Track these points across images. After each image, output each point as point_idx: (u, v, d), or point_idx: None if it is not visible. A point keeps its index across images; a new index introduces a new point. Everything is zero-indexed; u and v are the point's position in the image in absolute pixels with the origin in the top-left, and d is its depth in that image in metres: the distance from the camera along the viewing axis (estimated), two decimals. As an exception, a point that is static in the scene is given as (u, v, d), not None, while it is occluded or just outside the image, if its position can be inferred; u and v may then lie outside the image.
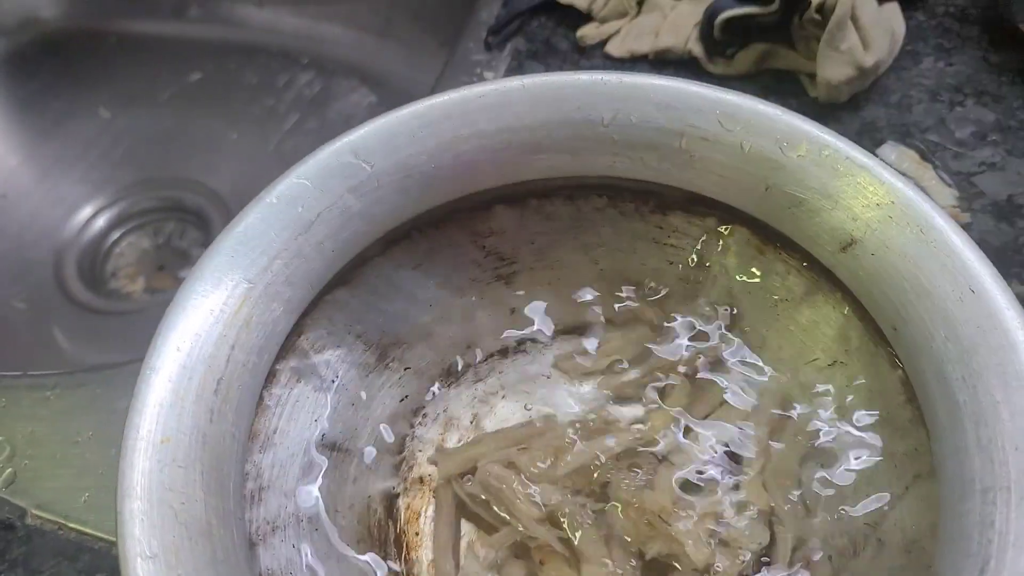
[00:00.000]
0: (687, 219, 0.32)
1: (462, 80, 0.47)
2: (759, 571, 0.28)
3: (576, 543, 0.29)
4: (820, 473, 0.29)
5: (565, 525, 0.29)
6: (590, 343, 0.34)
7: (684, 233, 0.32)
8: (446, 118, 0.29)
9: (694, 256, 0.32)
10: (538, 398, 0.33)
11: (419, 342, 0.33)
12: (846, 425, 0.29)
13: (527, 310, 0.34)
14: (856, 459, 0.29)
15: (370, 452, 0.31)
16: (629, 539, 0.29)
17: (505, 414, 0.33)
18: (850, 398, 0.29)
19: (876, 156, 0.27)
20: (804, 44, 0.41)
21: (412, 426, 0.33)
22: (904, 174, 0.27)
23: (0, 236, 0.72)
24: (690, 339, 0.33)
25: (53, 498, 0.34)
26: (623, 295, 0.34)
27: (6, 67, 0.78)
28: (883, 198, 0.26)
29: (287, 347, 0.29)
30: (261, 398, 0.28)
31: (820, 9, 0.39)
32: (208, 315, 0.26)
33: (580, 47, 0.46)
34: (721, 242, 0.32)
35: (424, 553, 0.31)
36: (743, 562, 0.28)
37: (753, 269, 0.31)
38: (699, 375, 0.32)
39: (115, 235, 0.74)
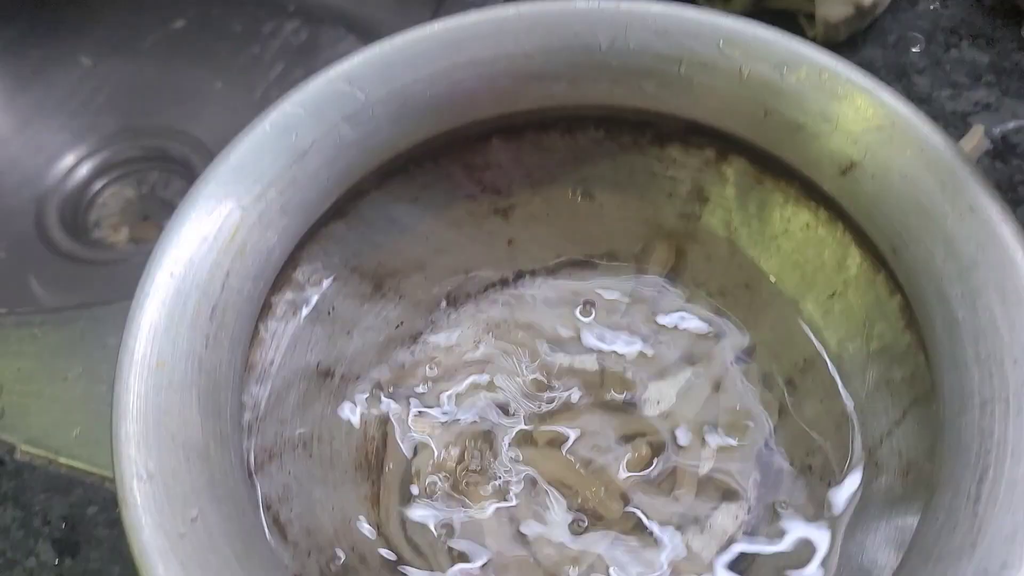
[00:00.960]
0: (685, 150, 0.32)
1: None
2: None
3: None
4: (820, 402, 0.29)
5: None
6: (588, 282, 0.34)
7: (682, 165, 0.32)
8: (442, 46, 0.29)
9: (693, 188, 0.32)
10: (531, 328, 0.33)
11: (415, 273, 0.33)
12: (845, 353, 0.29)
13: (524, 243, 0.34)
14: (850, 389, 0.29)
15: (366, 381, 0.31)
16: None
17: (497, 342, 0.33)
18: (847, 329, 0.29)
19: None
20: (802, -19, 0.41)
21: (412, 354, 0.33)
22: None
23: (-21, 185, 0.71)
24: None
25: (43, 433, 0.34)
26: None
27: (-16, 13, 0.76)
28: (883, 120, 0.26)
29: (283, 279, 0.29)
30: (257, 330, 0.28)
31: (819, -56, 0.39)
32: (202, 242, 0.25)
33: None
34: (720, 173, 0.31)
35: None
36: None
37: (752, 200, 0.31)
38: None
39: (98, 184, 0.72)
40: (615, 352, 0.32)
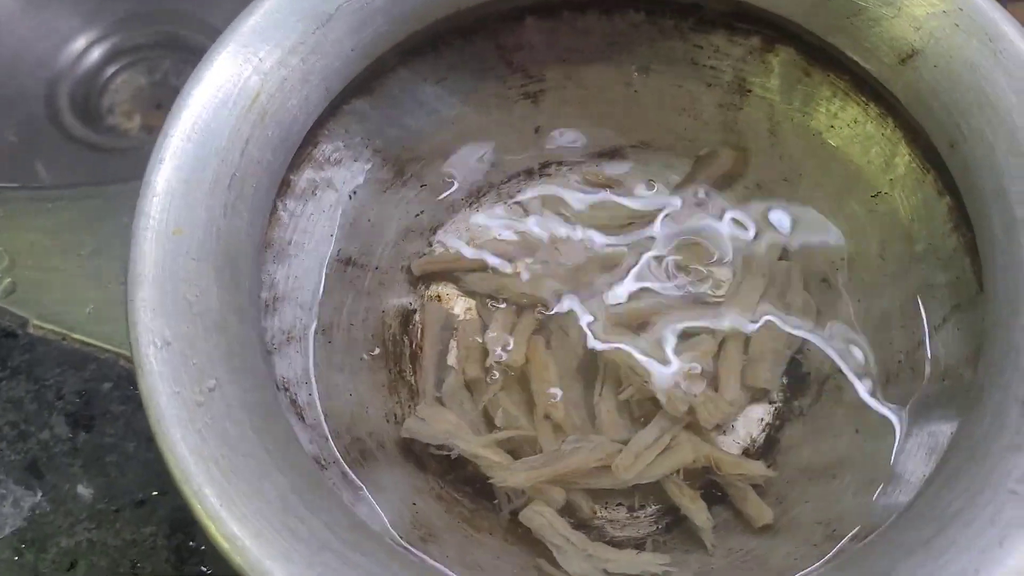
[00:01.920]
0: (729, 38, 0.30)
1: None
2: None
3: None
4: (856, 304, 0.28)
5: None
6: (621, 167, 0.32)
7: (726, 53, 0.30)
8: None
9: (735, 79, 0.30)
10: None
11: (439, 159, 0.32)
12: (887, 255, 0.28)
13: (554, 131, 0.32)
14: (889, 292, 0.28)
15: (385, 267, 0.30)
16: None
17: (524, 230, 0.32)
18: (891, 230, 0.28)
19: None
20: None
21: (430, 244, 0.32)
22: None
23: (-12, 66, 0.69)
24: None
25: (56, 309, 0.33)
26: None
27: None
28: (950, 5, 0.24)
29: (302, 156, 0.28)
30: (275, 207, 0.27)
31: None
32: (220, 106, 0.24)
33: None
34: (764, 63, 0.30)
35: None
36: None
37: (797, 92, 0.29)
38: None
39: (110, 70, 0.71)
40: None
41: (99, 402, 0.31)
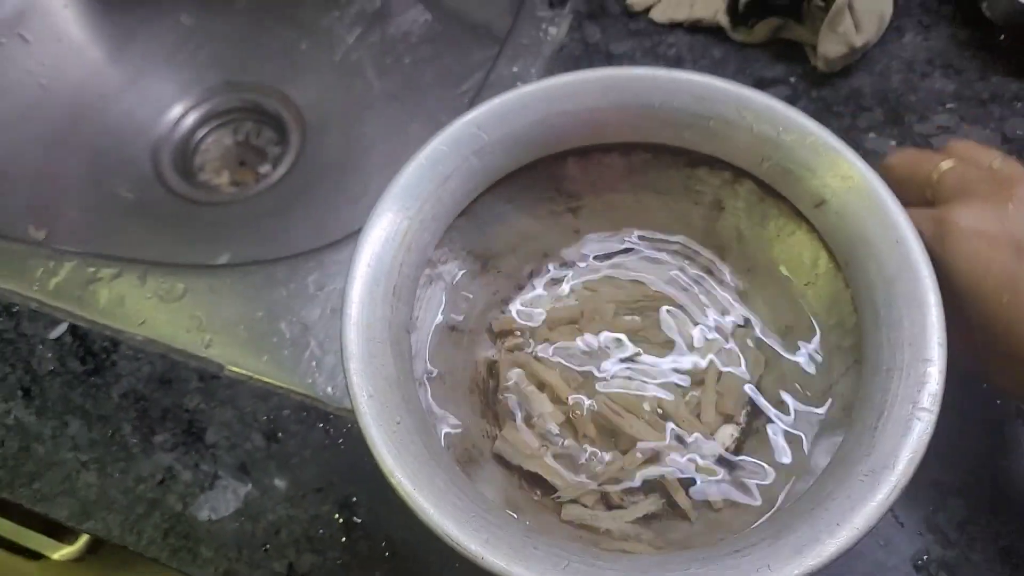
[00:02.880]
0: (710, 172, 0.44)
1: (530, 34, 0.58)
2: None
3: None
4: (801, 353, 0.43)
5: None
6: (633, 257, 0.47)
7: (707, 182, 0.45)
8: (542, 100, 0.41)
9: (714, 199, 0.45)
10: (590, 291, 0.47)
11: (509, 254, 0.46)
12: (817, 326, 0.42)
13: (588, 232, 0.47)
14: (815, 350, 0.42)
15: (476, 329, 0.45)
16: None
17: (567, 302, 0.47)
18: (817, 307, 0.42)
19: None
20: (811, 21, 0.53)
21: (503, 312, 0.46)
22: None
23: (103, 132, 0.83)
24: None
25: (241, 358, 0.48)
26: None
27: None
28: (847, 173, 0.39)
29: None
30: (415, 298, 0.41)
31: (824, -4, 0.50)
32: (385, 243, 0.38)
33: (629, 11, 0.57)
34: (734, 190, 0.44)
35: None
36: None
37: (756, 211, 0.44)
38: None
39: (201, 132, 0.85)
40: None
41: (281, 423, 0.46)
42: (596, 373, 0.45)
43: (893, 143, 0.51)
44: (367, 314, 0.37)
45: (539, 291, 0.47)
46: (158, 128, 0.84)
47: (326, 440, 0.45)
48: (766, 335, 0.44)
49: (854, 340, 0.40)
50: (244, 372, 0.47)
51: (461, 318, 0.45)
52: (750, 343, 0.44)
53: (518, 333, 0.46)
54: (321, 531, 0.43)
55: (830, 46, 0.51)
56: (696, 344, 0.45)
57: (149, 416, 0.46)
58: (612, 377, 0.44)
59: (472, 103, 0.47)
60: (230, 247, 0.70)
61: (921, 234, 0.36)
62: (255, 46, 0.87)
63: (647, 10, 0.57)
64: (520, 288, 0.47)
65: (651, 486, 0.42)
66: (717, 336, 0.45)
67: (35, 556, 0.69)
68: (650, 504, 0.40)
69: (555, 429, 0.43)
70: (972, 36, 0.54)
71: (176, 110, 0.85)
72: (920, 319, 0.35)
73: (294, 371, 0.47)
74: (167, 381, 0.47)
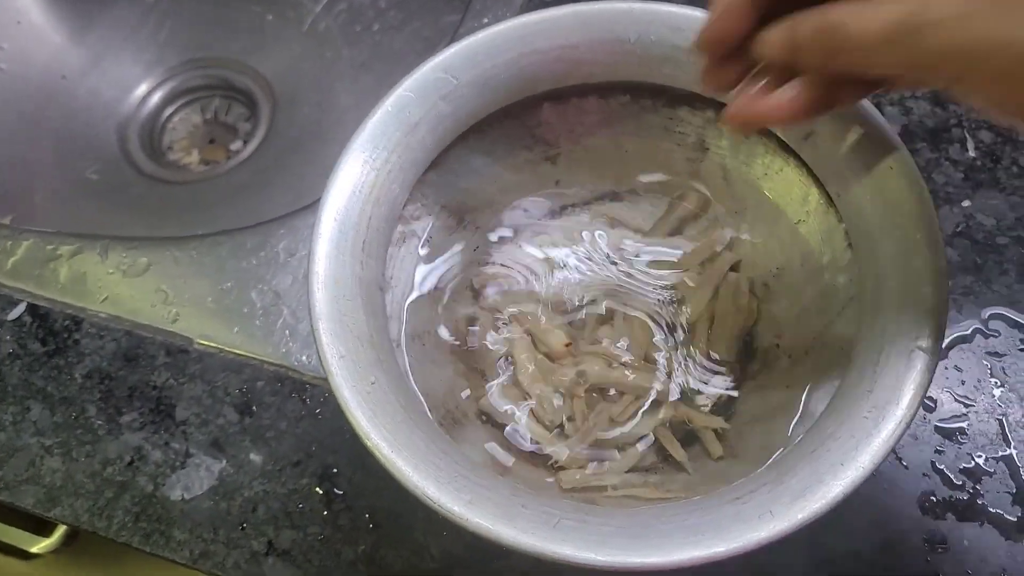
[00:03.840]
0: (691, 111, 0.42)
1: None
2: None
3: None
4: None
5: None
6: (617, 206, 0.45)
7: (688, 122, 0.42)
8: (513, 39, 0.39)
9: (697, 140, 0.42)
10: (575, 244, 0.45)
11: (486, 208, 0.44)
12: (806, 263, 0.40)
13: (567, 182, 0.45)
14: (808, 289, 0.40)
15: (455, 288, 0.42)
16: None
17: (554, 254, 0.44)
18: (809, 245, 0.40)
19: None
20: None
21: (482, 267, 0.44)
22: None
23: (67, 114, 0.79)
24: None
25: (211, 330, 0.46)
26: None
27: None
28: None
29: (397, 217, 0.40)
30: (387, 255, 0.39)
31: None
32: (352, 196, 0.36)
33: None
34: (717, 129, 0.42)
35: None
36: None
37: (741, 150, 0.41)
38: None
39: (168, 111, 0.82)
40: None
41: (255, 396, 0.43)
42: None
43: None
44: (335, 271, 0.34)
45: (519, 244, 0.45)
46: (124, 108, 0.81)
47: (302, 411, 0.43)
48: (758, 277, 0.42)
49: (849, 276, 0.37)
50: (214, 345, 0.45)
51: (439, 277, 0.42)
52: (743, 287, 0.42)
53: (499, 286, 0.44)
54: (301, 505, 0.40)
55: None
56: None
57: (115, 395, 0.44)
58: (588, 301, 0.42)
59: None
60: (202, 226, 0.68)
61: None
62: (220, 20, 0.84)
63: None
64: (500, 243, 0.45)
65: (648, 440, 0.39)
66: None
67: (24, 556, 0.66)
68: (644, 451, 0.38)
69: (543, 386, 0.41)
70: None
71: (141, 89, 0.82)
72: (918, 248, 0.33)
73: (267, 341, 0.44)
74: (133, 358, 0.45)
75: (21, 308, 0.47)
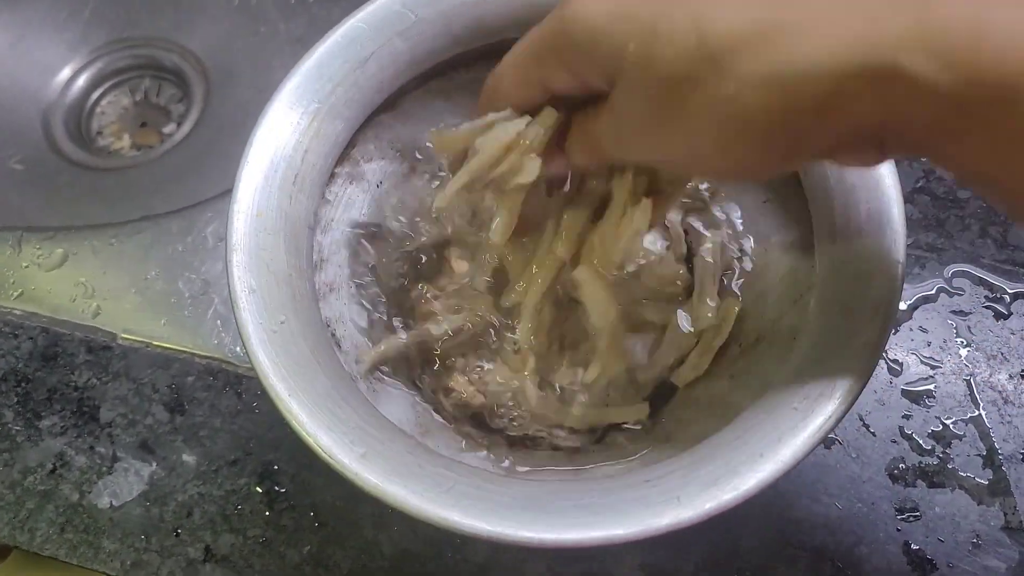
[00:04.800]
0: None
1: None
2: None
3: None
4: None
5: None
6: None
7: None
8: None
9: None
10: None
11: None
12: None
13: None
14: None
15: (400, 233, 0.39)
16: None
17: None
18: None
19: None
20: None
21: (434, 218, 0.40)
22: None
23: (-16, 101, 0.74)
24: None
25: (136, 324, 0.42)
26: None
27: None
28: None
29: (344, 157, 0.36)
30: (324, 193, 0.35)
31: None
32: (287, 127, 0.33)
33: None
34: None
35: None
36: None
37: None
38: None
39: (95, 95, 0.77)
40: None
41: (186, 392, 0.40)
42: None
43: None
44: (260, 202, 0.31)
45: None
46: (47, 93, 0.76)
47: (238, 405, 0.40)
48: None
49: (810, 264, 0.34)
50: (140, 339, 0.41)
51: (385, 220, 0.39)
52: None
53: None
54: (240, 507, 0.37)
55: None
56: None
57: (33, 398, 0.40)
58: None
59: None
60: (135, 213, 0.64)
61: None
62: (145, -3, 0.79)
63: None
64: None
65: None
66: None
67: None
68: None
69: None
70: None
71: (65, 73, 0.77)
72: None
73: (197, 332, 0.41)
74: (51, 357, 0.41)
75: (-75, 309, 0.43)
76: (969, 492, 0.37)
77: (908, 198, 0.43)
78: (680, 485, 0.26)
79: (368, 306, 0.37)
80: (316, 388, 0.28)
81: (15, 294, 0.43)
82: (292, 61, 0.78)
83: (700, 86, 0.20)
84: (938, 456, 0.38)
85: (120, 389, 0.40)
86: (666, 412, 0.36)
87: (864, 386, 0.27)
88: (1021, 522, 0.36)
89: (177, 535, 0.37)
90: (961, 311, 0.41)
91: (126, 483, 0.38)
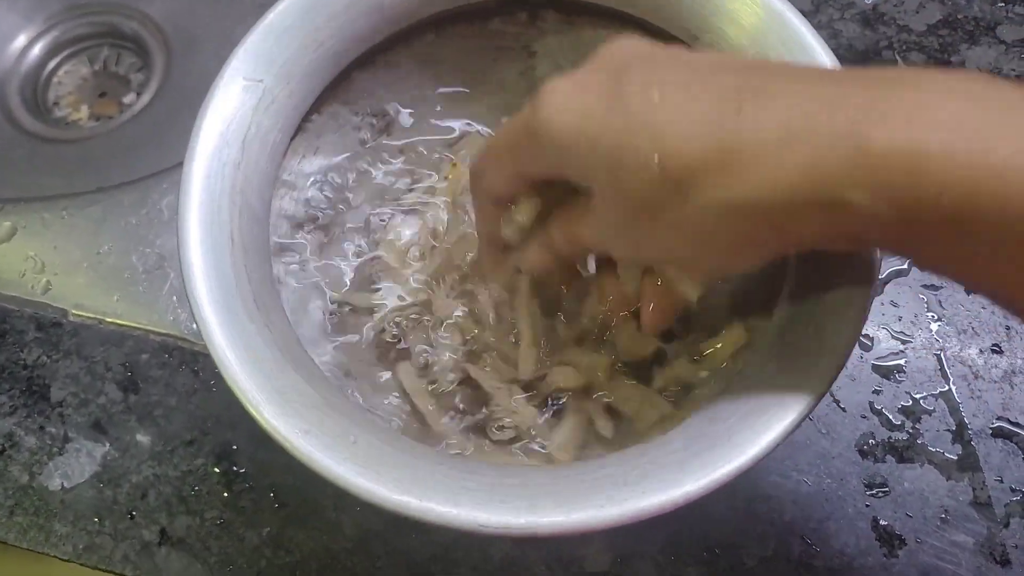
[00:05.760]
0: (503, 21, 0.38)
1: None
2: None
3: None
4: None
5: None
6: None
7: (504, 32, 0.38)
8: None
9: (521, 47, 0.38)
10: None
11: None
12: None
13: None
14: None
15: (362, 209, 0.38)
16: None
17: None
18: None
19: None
20: None
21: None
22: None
23: (-66, 70, 0.72)
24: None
25: (88, 300, 0.40)
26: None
27: None
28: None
29: (301, 128, 0.35)
30: (281, 163, 0.34)
31: None
32: (240, 95, 0.33)
33: None
34: (538, 28, 0.38)
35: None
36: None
37: (567, 40, 0.38)
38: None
39: (52, 64, 0.74)
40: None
41: (140, 370, 0.39)
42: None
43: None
44: (212, 171, 0.31)
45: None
46: (1, 63, 0.74)
47: (195, 384, 0.38)
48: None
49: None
50: (92, 315, 0.40)
51: (339, 196, 0.37)
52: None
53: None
54: (196, 488, 0.36)
55: None
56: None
57: (-21, 377, 0.38)
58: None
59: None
60: (91, 185, 0.62)
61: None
62: (102, -39, 0.76)
63: None
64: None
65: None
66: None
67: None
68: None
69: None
70: None
71: (19, 41, 0.74)
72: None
73: (151, 308, 0.40)
74: (-1, 335, 0.39)
75: None
76: (938, 467, 0.37)
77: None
78: (612, 483, 0.26)
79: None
80: (246, 328, 0.28)
81: (-40, 269, 0.41)
82: (256, 28, 0.74)
83: (668, 208, 0.22)
84: (908, 431, 0.37)
85: (71, 367, 0.39)
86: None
87: (831, 385, 0.26)
88: (989, 497, 0.36)
89: (131, 517, 0.35)
90: (932, 285, 0.40)
91: (78, 464, 0.37)
